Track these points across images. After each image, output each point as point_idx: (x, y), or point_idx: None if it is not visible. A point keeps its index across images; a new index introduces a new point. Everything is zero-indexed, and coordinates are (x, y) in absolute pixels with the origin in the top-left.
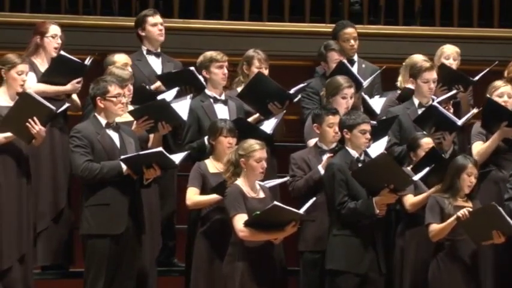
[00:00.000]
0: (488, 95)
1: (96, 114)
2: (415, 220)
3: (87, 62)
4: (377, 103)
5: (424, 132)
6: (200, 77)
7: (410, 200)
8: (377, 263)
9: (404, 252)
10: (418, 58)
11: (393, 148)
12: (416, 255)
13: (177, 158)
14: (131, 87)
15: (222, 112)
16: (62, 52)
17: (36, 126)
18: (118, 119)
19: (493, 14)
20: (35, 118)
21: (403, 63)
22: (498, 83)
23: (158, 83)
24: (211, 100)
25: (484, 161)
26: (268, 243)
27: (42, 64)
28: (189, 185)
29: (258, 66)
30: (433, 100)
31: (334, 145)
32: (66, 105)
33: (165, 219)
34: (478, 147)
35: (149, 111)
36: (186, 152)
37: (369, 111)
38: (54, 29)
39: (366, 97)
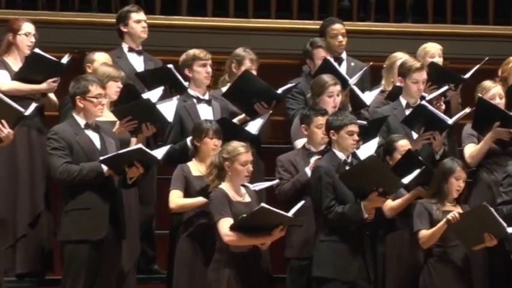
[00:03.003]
0: (479, 95)
1: (74, 114)
2: (394, 224)
3: (65, 59)
4: (368, 95)
5: (400, 135)
6: (178, 76)
7: (389, 204)
8: (365, 270)
9: (386, 258)
10: (401, 56)
11: (380, 150)
12: (399, 261)
13: (158, 153)
14: (120, 85)
15: (206, 112)
16: (37, 50)
17: (5, 130)
18: (100, 119)
19: (487, 11)
20: (3, 121)
21: (384, 64)
22: (488, 83)
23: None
24: (194, 100)
25: (477, 164)
26: (255, 250)
27: (15, 63)
28: (172, 187)
29: (249, 67)
30: (422, 98)
31: (323, 147)
32: (33, 106)
33: (144, 225)
34: (471, 149)
35: (133, 111)
36: (167, 146)
37: (359, 103)
38: (27, 27)
39: (355, 88)
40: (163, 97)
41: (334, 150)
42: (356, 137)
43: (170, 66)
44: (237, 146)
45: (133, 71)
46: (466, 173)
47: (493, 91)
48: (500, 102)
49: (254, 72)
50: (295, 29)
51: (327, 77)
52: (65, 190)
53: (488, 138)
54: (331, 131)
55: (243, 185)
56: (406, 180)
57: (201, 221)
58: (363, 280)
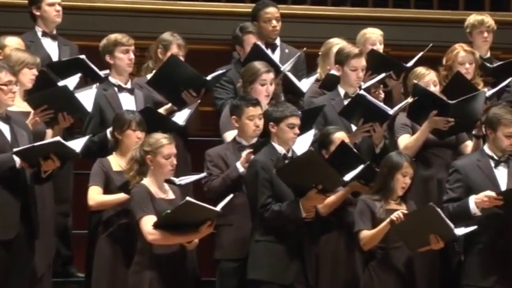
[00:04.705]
0: (415, 81)
1: None
2: (329, 224)
3: None
4: (304, 83)
5: (337, 127)
6: (93, 66)
7: None
8: (304, 273)
9: (320, 259)
10: (337, 42)
11: (316, 144)
12: (334, 263)
13: (77, 145)
14: (36, 73)
15: (128, 102)
16: None
17: None
18: (12, 109)
19: None
20: None
21: (320, 52)
22: (421, 70)
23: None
24: (116, 89)
25: (412, 156)
26: (180, 250)
27: None
28: (91, 183)
29: (176, 53)
30: (359, 88)
31: (254, 140)
32: None
33: (59, 224)
34: (405, 140)
35: (49, 99)
36: (85, 138)
37: (295, 91)
38: None
39: (290, 75)
40: (79, 86)
41: (273, 143)
42: (297, 130)
43: (83, 56)
44: (159, 137)
45: (47, 57)
46: (413, 169)
47: (427, 78)
48: (435, 89)
49: (182, 59)
50: (225, 12)
51: (259, 64)
52: None
53: (424, 128)
54: (271, 123)
55: (167, 181)
56: (348, 177)
57: (122, 220)
58: (300, 284)
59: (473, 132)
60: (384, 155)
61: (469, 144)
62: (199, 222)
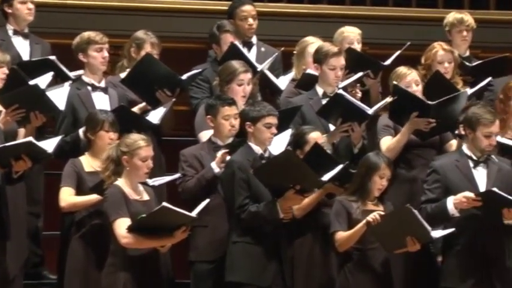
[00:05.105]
0: (395, 82)
1: None
2: (304, 226)
3: None
4: (282, 80)
5: (311, 127)
6: (63, 67)
7: None
8: (281, 274)
9: (295, 262)
10: (312, 41)
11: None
12: (308, 266)
13: (49, 145)
14: (6, 71)
15: (102, 101)
16: None
17: None
18: None
19: None
20: None
21: (295, 51)
22: (403, 69)
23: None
24: (89, 88)
25: (395, 157)
26: (154, 252)
27: None
28: (63, 184)
29: (150, 52)
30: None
31: (230, 140)
32: None
33: (31, 225)
34: (387, 142)
35: (21, 98)
36: (58, 138)
37: (272, 89)
38: None
39: (268, 73)
40: (52, 85)
41: (249, 143)
42: (274, 130)
43: (53, 57)
44: (137, 139)
45: (18, 56)
46: (391, 170)
47: (408, 78)
48: (416, 89)
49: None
50: (201, 10)
51: (237, 64)
52: None
53: (405, 129)
54: (247, 123)
55: (140, 182)
56: (326, 177)
57: (95, 221)
58: (278, 286)
59: (456, 132)
60: (362, 155)
61: (453, 144)
62: (174, 227)
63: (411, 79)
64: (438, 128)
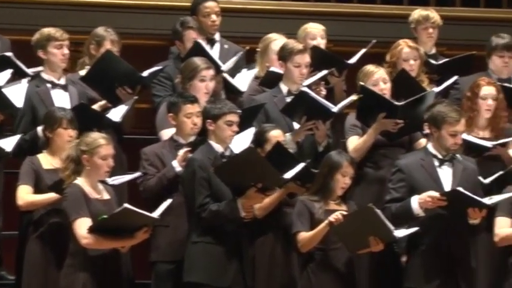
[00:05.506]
0: (361, 83)
1: None
2: (265, 226)
3: None
4: (242, 79)
5: (272, 125)
6: (21, 64)
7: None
8: (242, 274)
9: (256, 262)
10: (276, 38)
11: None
12: (269, 266)
13: (7, 144)
14: None
15: (61, 99)
16: None
17: None
18: None
19: None
20: None
21: (258, 48)
22: (370, 68)
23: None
24: (49, 85)
25: (361, 157)
26: (114, 252)
27: None
28: (20, 182)
29: (110, 49)
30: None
31: (192, 138)
32: None
33: None
34: (354, 142)
35: None
36: (17, 137)
37: (233, 91)
38: None
39: (227, 76)
40: (9, 82)
41: (210, 141)
42: (235, 128)
43: (9, 54)
44: (97, 137)
45: None
46: (353, 169)
47: (376, 76)
48: (384, 87)
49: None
50: (163, 6)
51: (199, 60)
52: None
53: (372, 130)
54: (208, 121)
55: (100, 180)
56: (288, 174)
57: (53, 219)
58: (238, 286)
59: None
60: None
61: (422, 143)
62: (135, 228)
63: (379, 77)
64: (406, 129)
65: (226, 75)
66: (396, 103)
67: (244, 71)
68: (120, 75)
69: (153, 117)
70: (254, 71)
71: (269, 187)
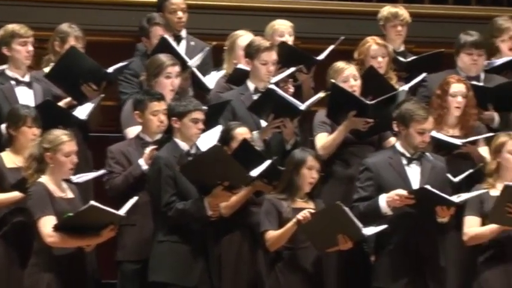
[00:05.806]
0: (332, 80)
1: None
2: (231, 224)
3: None
4: (210, 78)
5: (238, 122)
6: None
7: None
8: (208, 273)
9: (222, 261)
10: (242, 34)
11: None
12: (236, 265)
13: None
14: None
15: (26, 96)
16: None
17: None
18: None
19: None
20: None
21: (225, 45)
22: (340, 65)
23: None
24: (13, 82)
25: (329, 155)
26: (79, 251)
27: None
28: None
29: (74, 45)
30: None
31: (159, 136)
32: None
33: None
34: (323, 139)
35: None
36: None
37: (201, 87)
38: None
39: (196, 71)
40: None
41: (175, 139)
42: (201, 125)
43: None
44: (59, 134)
45: None
46: (319, 163)
47: (346, 72)
48: (355, 84)
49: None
50: (128, 2)
51: (164, 57)
52: None
53: (342, 128)
54: (173, 118)
55: (65, 178)
56: (255, 173)
57: (17, 219)
58: (204, 285)
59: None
60: None
61: (392, 141)
62: (101, 226)
63: (349, 73)
64: (376, 128)
65: (195, 69)
66: (367, 102)
67: (213, 73)
68: (84, 72)
69: (119, 115)
70: (223, 72)
71: (236, 185)
